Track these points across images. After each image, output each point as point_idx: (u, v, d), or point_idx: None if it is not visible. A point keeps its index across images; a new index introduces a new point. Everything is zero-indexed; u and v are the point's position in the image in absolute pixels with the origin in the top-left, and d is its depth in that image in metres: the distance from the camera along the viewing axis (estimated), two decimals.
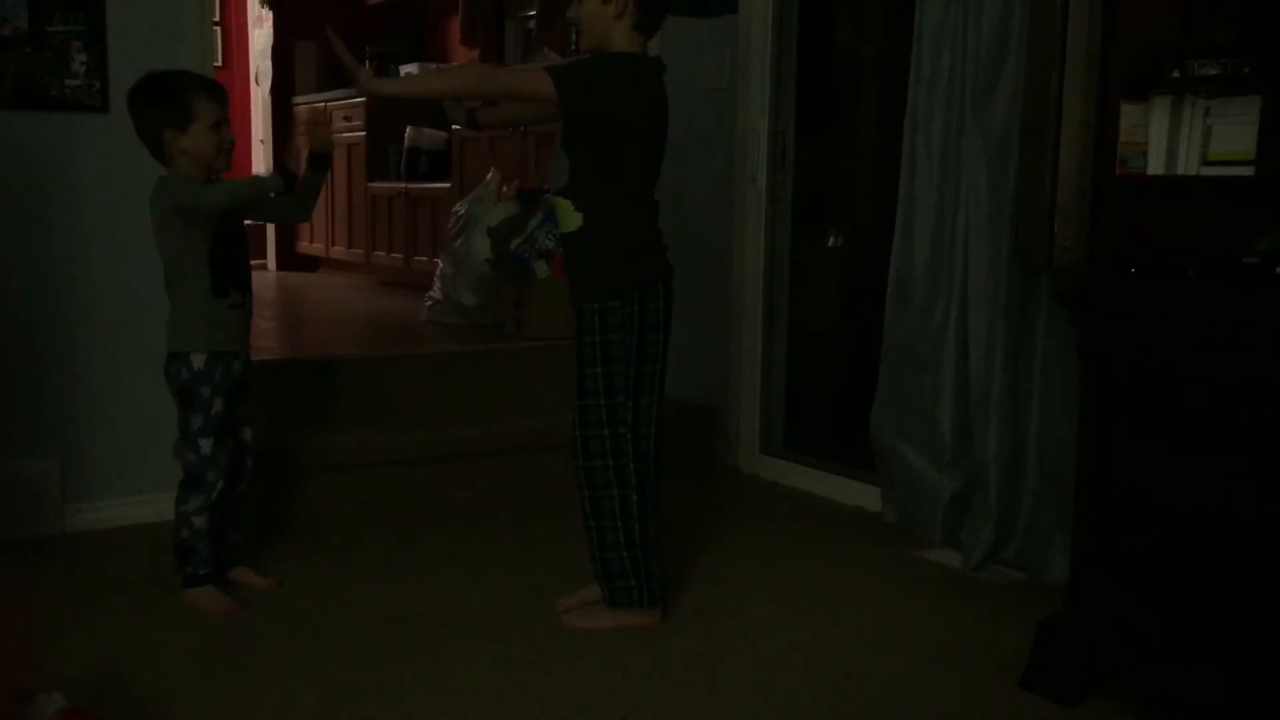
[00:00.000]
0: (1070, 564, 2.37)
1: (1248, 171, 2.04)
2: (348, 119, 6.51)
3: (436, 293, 4.63)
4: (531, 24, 5.88)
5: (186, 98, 2.54)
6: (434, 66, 2.06)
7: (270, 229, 7.23)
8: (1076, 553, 2.33)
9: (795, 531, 3.30)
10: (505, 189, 4.44)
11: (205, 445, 2.60)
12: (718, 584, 2.89)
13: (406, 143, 6.18)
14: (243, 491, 2.77)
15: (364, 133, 6.36)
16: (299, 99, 7.04)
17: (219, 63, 7.23)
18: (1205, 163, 2.09)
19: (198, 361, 2.59)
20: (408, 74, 2.36)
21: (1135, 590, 2.20)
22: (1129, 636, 2.21)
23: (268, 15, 7.26)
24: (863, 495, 3.53)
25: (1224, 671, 2.04)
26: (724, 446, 4.03)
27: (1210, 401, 2.03)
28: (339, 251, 6.66)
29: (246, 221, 2.75)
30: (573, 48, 5.35)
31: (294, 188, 2.70)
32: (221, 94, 2.61)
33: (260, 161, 7.58)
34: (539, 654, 2.42)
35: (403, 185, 6.06)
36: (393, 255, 6.12)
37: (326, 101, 6.72)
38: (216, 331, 2.61)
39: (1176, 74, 2.12)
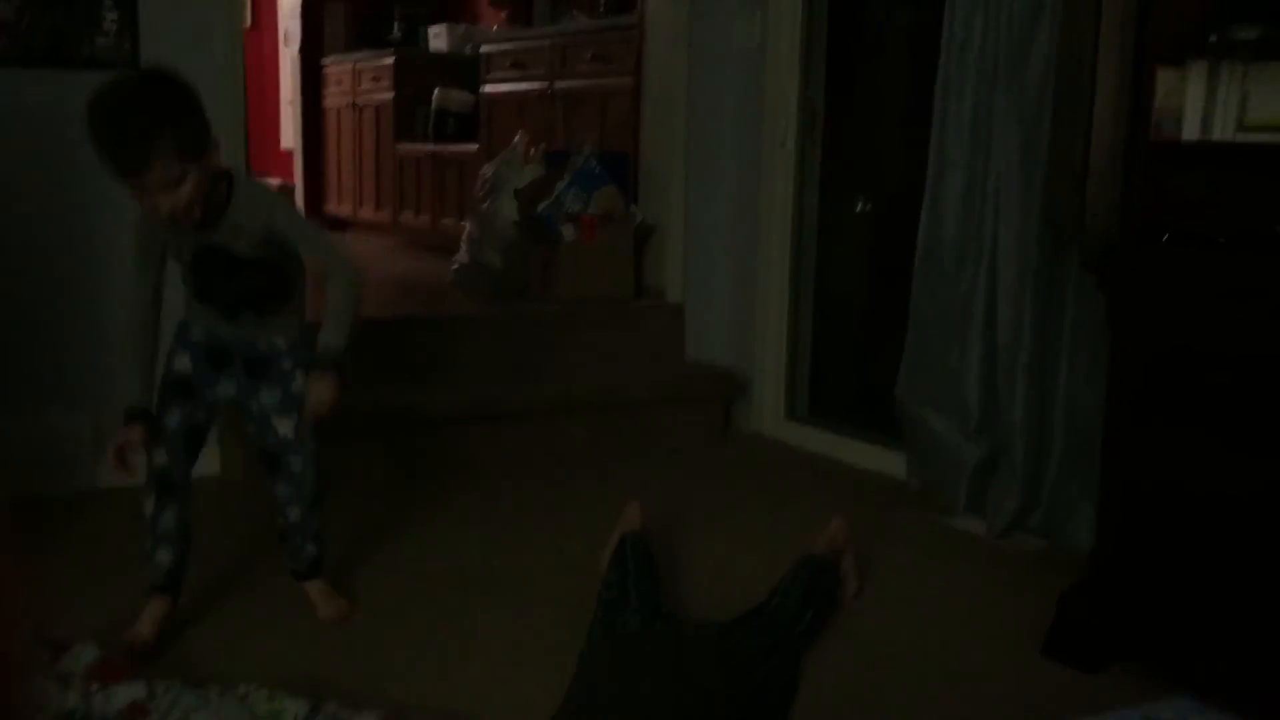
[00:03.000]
0: (1095, 534, 2.37)
1: None
2: (376, 79, 6.50)
3: (463, 255, 4.63)
4: None
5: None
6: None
7: (299, 190, 7.25)
8: (1100, 524, 2.33)
9: (819, 498, 3.30)
10: (533, 151, 4.43)
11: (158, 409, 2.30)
12: (738, 549, 2.89)
13: (434, 104, 6.17)
14: (285, 495, 2.39)
15: (392, 94, 6.35)
16: (328, 59, 7.04)
17: (248, 24, 7.24)
18: (1241, 129, 2.06)
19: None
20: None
21: (1157, 563, 2.19)
22: (1150, 609, 2.21)
23: None
24: (887, 462, 3.53)
25: (1241, 647, 2.03)
26: (747, 412, 4.03)
27: (1239, 375, 2.01)
28: (367, 213, 6.67)
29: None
30: (601, 10, 5.31)
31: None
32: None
33: (289, 124, 7.59)
34: (561, 614, 2.44)
35: (430, 147, 6.06)
36: (420, 217, 6.13)
37: (355, 62, 6.72)
38: (194, 309, 2.33)
39: (1214, 38, 2.09)
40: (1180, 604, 2.15)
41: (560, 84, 5.10)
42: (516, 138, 4.58)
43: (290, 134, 7.60)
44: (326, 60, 7.04)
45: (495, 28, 6.32)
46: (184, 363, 2.31)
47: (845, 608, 2.54)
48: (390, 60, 6.37)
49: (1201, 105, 2.10)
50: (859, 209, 3.89)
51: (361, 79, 6.63)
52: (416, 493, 3.24)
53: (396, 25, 6.91)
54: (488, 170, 4.59)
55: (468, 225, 4.72)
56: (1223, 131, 2.08)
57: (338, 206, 7.01)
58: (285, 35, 7.50)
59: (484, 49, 5.78)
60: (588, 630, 2.25)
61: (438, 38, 6.59)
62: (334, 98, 7.00)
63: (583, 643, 2.20)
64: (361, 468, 3.33)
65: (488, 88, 5.70)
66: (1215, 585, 2.09)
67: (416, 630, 2.38)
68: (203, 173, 2.04)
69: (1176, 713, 1.02)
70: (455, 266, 4.66)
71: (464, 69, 6.20)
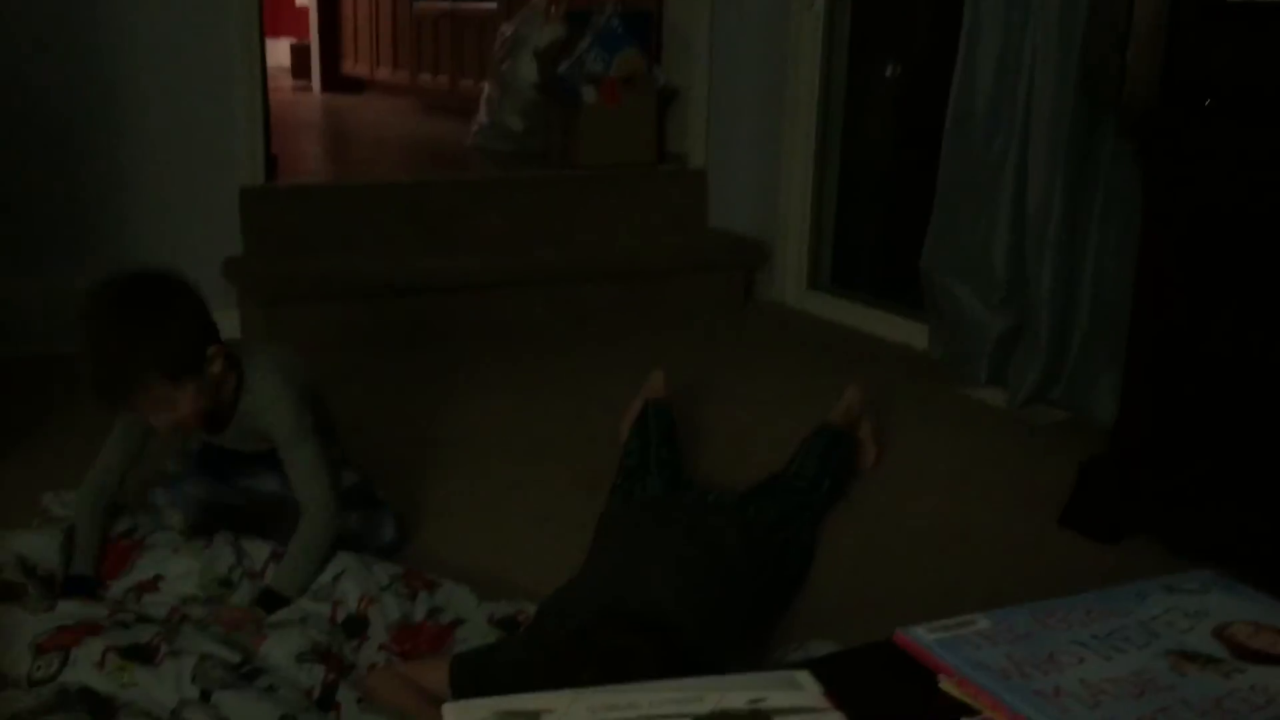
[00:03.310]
0: (1117, 407, 2.35)
1: None
2: None
3: (483, 117, 4.56)
4: None
5: None
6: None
7: (314, 49, 7.11)
8: (1125, 394, 2.31)
9: (840, 367, 3.28)
10: (554, 9, 4.30)
11: None
12: (758, 418, 2.89)
13: None
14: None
15: None
16: None
17: None
18: None
19: None
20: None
21: (1182, 435, 2.18)
22: (1172, 480, 2.20)
23: None
24: (910, 332, 3.50)
25: (1260, 518, 2.03)
26: (770, 281, 3.99)
27: (1277, 245, 1.96)
28: (384, 74, 6.55)
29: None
30: None
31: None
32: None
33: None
34: (582, 480, 2.46)
35: (449, 4, 5.91)
36: (438, 78, 6.02)
37: None
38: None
39: None
40: (1203, 476, 2.14)
41: None
42: None
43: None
44: None
45: None
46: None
47: (863, 475, 2.55)
48: None
49: None
50: (888, 73, 3.78)
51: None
52: (434, 358, 3.24)
53: None
54: (507, 29, 4.48)
55: (487, 86, 4.63)
56: None
57: (354, 66, 6.88)
58: None
59: None
60: (608, 495, 2.26)
61: None
62: None
63: (603, 507, 2.21)
64: (379, 332, 3.32)
65: None
66: (1241, 458, 2.08)
67: (437, 495, 2.40)
68: (202, 386, 1.85)
69: (1199, 584, 1.01)
70: (475, 129, 4.59)
71: None
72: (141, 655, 1.66)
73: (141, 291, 1.84)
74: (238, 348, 1.98)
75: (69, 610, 1.78)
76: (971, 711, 0.84)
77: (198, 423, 1.90)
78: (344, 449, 2.18)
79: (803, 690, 0.81)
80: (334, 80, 7.05)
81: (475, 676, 1.61)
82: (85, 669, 1.64)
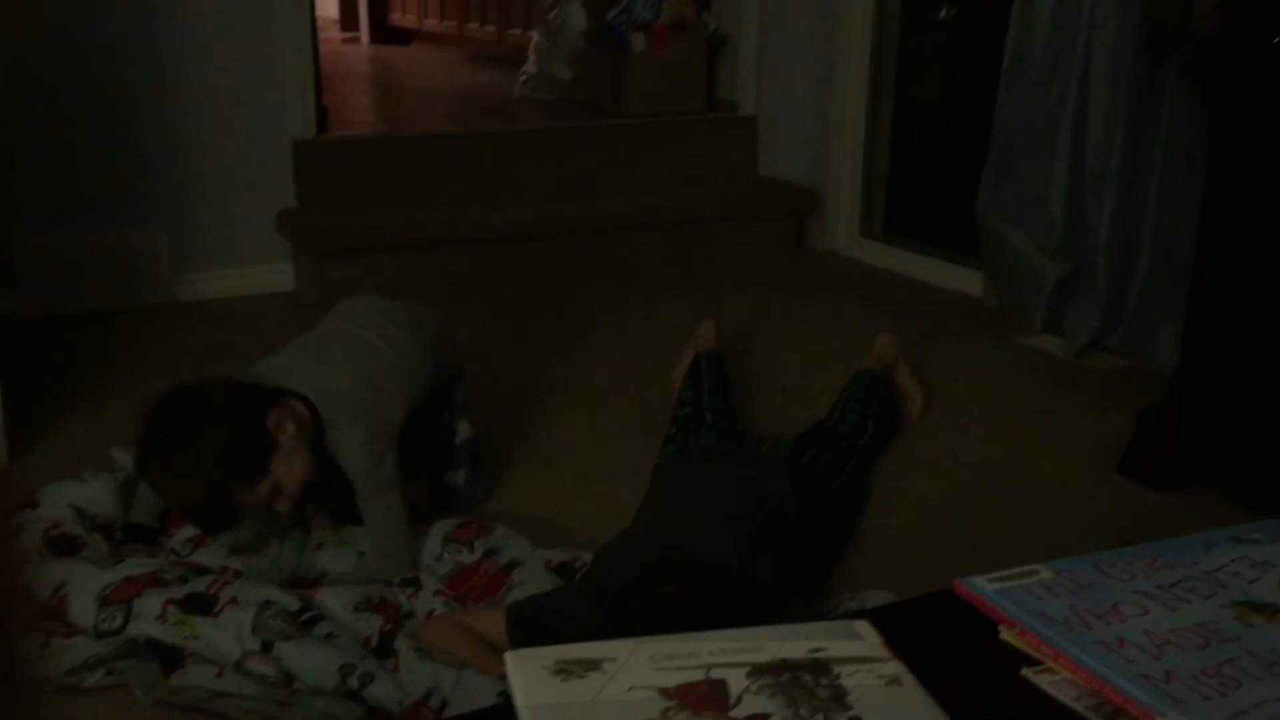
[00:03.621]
0: (1176, 354, 2.31)
1: None
2: None
3: (531, 67, 4.53)
4: None
5: None
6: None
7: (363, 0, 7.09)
8: (1187, 341, 2.27)
9: (893, 316, 3.25)
10: None
11: None
12: (810, 367, 2.88)
13: None
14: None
15: None
16: None
17: None
18: None
19: None
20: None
21: (1243, 383, 2.14)
22: (1232, 427, 2.16)
23: None
24: (964, 280, 3.46)
25: None
26: (821, 229, 3.95)
27: None
28: (432, 24, 6.52)
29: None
30: None
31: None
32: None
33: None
34: (636, 429, 2.46)
35: None
36: (486, 28, 5.98)
37: None
38: None
39: None
40: (1267, 424, 2.10)
41: None
42: None
43: None
44: None
45: None
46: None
47: (913, 422, 2.53)
48: None
49: None
50: (943, 15, 3.71)
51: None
52: (486, 310, 3.25)
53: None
54: None
55: (535, 35, 4.59)
56: None
57: (402, 17, 6.85)
58: None
59: None
60: (662, 445, 2.26)
61: None
62: None
63: (658, 458, 2.22)
64: (431, 284, 3.34)
65: None
66: None
67: (492, 444, 2.41)
68: (288, 453, 1.77)
69: (1265, 532, 0.99)
70: (523, 79, 4.56)
71: None
72: (200, 607, 1.69)
73: (178, 419, 1.75)
74: (320, 392, 1.85)
75: (133, 561, 1.82)
76: (1033, 662, 0.83)
77: (310, 478, 1.81)
78: (468, 398, 2.16)
79: (862, 640, 0.80)
80: (382, 31, 7.03)
81: (531, 625, 1.63)
82: (149, 622, 1.67)
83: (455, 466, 2.12)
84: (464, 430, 2.14)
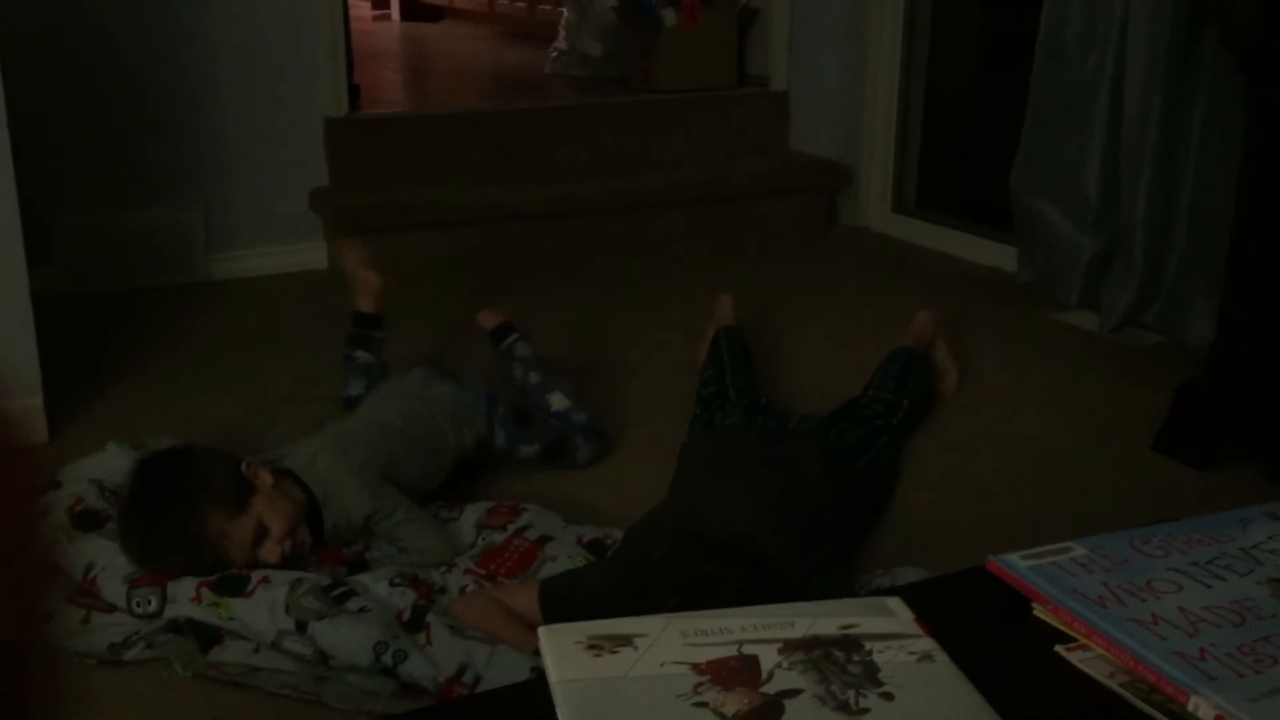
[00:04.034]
0: (1214, 330, 2.29)
1: None
2: None
3: (561, 43, 4.52)
4: None
5: None
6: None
7: None
8: (1224, 316, 2.24)
9: (927, 292, 3.23)
10: None
11: None
12: (841, 343, 2.87)
13: None
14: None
15: None
16: None
17: None
18: None
19: None
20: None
21: (1279, 358, 2.11)
22: (1269, 404, 2.14)
23: None
24: (997, 255, 3.43)
25: None
26: (853, 204, 3.93)
27: None
28: (462, 1, 6.52)
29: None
30: None
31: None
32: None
33: None
34: (664, 407, 2.46)
35: None
36: (516, 4, 5.97)
37: None
38: None
39: None
40: None
41: None
42: None
43: None
44: None
45: None
46: None
47: (949, 401, 2.52)
48: None
49: None
50: None
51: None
52: (515, 284, 3.25)
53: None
54: None
55: (565, 11, 4.58)
56: None
57: None
58: None
59: None
60: (689, 426, 2.26)
61: None
62: None
63: (685, 436, 2.22)
64: (460, 261, 3.35)
65: None
66: None
67: None
68: (267, 499, 1.80)
69: None
70: (553, 55, 4.55)
71: None
72: (233, 588, 1.70)
73: (152, 479, 1.79)
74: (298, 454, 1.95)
75: None
76: (1066, 639, 0.83)
77: (298, 523, 1.83)
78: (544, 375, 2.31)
79: (894, 616, 0.80)
80: (412, 8, 7.03)
81: (563, 601, 1.63)
82: (184, 604, 1.69)
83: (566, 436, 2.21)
84: (557, 401, 2.25)
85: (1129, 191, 2.84)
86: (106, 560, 1.77)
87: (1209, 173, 2.72)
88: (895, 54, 3.73)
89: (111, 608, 1.72)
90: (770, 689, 0.72)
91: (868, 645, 0.77)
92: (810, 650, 0.76)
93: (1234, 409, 2.19)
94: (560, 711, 0.71)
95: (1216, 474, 2.19)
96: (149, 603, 1.70)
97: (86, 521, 1.86)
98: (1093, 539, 0.92)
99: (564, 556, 1.82)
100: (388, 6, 7.13)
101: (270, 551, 1.78)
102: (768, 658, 0.75)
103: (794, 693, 0.72)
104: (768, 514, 1.74)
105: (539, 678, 0.75)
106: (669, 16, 3.86)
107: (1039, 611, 0.86)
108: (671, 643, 0.76)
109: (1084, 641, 0.82)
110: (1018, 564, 0.89)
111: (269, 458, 1.96)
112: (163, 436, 2.13)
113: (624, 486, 2.14)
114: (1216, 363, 2.24)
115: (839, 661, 0.75)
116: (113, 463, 2.01)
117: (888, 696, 0.72)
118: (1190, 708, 0.75)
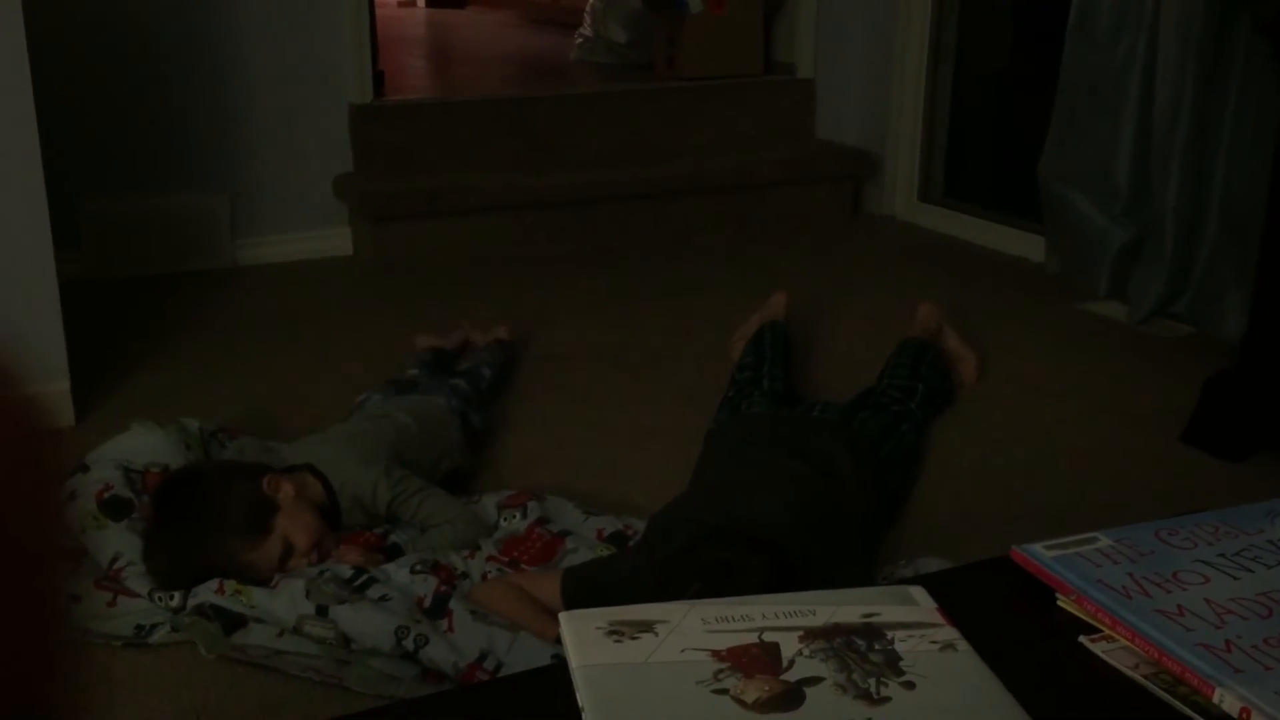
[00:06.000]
0: (1245, 321, 2.26)
1: None
2: None
3: (587, 29, 4.51)
4: None
5: None
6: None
7: None
8: (1255, 308, 2.22)
9: (954, 281, 3.22)
10: None
11: None
12: (866, 333, 2.86)
13: None
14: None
15: None
16: None
17: None
18: None
19: None
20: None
21: None
22: None
23: None
24: (1025, 245, 3.40)
25: None
26: (880, 193, 3.91)
27: None
28: None
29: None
30: None
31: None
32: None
33: None
34: (689, 395, 2.46)
35: None
36: None
37: None
38: None
39: None
40: None
41: None
42: None
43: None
44: None
45: None
46: None
47: (969, 384, 2.51)
48: None
49: None
50: None
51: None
52: (541, 273, 3.25)
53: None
54: None
55: None
56: None
57: None
58: None
59: None
60: (716, 411, 2.26)
61: None
62: None
63: (710, 424, 2.22)
64: (486, 247, 3.35)
65: None
66: None
67: (545, 410, 2.42)
68: (290, 509, 1.79)
69: None
70: (579, 41, 4.54)
71: None
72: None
73: (173, 502, 1.79)
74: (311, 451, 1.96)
75: None
76: (1090, 630, 0.82)
77: (324, 534, 1.83)
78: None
79: (917, 606, 0.80)
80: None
81: (586, 589, 1.63)
82: (207, 594, 1.70)
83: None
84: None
85: (1160, 180, 2.81)
86: (132, 554, 1.77)
87: (1241, 162, 2.69)
88: (923, 40, 3.70)
89: (137, 593, 1.73)
90: (791, 677, 0.72)
91: (889, 634, 0.76)
92: (831, 638, 0.75)
93: (1264, 401, 2.17)
94: (580, 697, 0.70)
95: (1245, 466, 2.17)
96: (171, 598, 1.71)
97: (114, 509, 1.87)
98: (1118, 530, 0.91)
99: (585, 549, 1.83)
100: None
101: (297, 565, 1.78)
102: (788, 645, 0.75)
103: (815, 680, 0.72)
104: (793, 503, 1.73)
105: (559, 663, 0.75)
106: (695, 3, 3.84)
107: (1063, 602, 0.85)
108: (692, 629, 0.76)
109: (1108, 632, 0.81)
110: (1042, 554, 0.88)
111: (281, 458, 1.97)
112: (191, 420, 2.13)
113: (648, 473, 2.14)
114: (1248, 354, 2.22)
115: (860, 650, 0.75)
116: (137, 442, 2.01)
117: (909, 685, 0.72)
118: (1216, 700, 0.74)
